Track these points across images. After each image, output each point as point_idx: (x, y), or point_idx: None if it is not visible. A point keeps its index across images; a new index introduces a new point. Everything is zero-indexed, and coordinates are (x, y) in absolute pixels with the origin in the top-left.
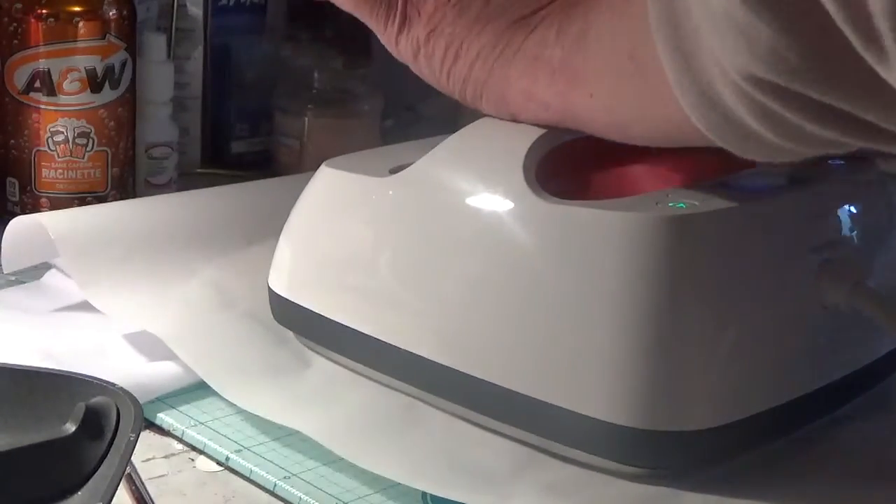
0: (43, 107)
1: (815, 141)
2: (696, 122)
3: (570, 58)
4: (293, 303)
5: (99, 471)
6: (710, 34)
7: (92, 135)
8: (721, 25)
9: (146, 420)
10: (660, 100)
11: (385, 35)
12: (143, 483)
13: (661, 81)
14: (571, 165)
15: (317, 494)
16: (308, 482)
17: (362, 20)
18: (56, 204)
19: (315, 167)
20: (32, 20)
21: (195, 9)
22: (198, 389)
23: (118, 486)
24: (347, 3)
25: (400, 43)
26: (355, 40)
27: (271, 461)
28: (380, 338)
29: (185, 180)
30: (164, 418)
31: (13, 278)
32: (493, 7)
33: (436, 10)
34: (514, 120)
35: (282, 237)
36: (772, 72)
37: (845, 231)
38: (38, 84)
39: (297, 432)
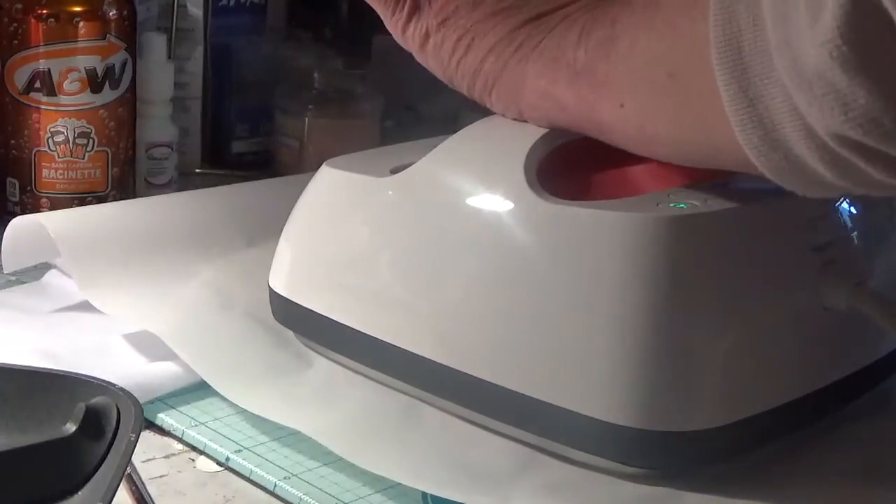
0: (43, 107)
1: (881, 186)
2: (753, 160)
3: (595, 63)
4: (293, 303)
5: (99, 471)
6: (796, 91)
7: (92, 135)
8: (813, 85)
9: (146, 420)
10: (701, 124)
11: (392, 21)
12: (143, 483)
13: (706, 108)
14: (572, 166)
15: (317, 494)
16: (308, 482)
17: (370, 4)
18: (56, 204)
19: (315, 167)
20: (32, 20)
21: (195, 9)
22: (198, 389)
23: (118, 486)
24: None
25: (407, 31)
26: (355, 40)
27: (271, 461)
28: (380, 338)
29: (185, 180)
30: (165, 418)
31: (13, 278)
32: (509, 2)
33: (448, 1)
34: (521, 118)
35: (282, 237)
36: (865, 135)
37: (846, 231)
38: (38, 84)
39: (297, 432)
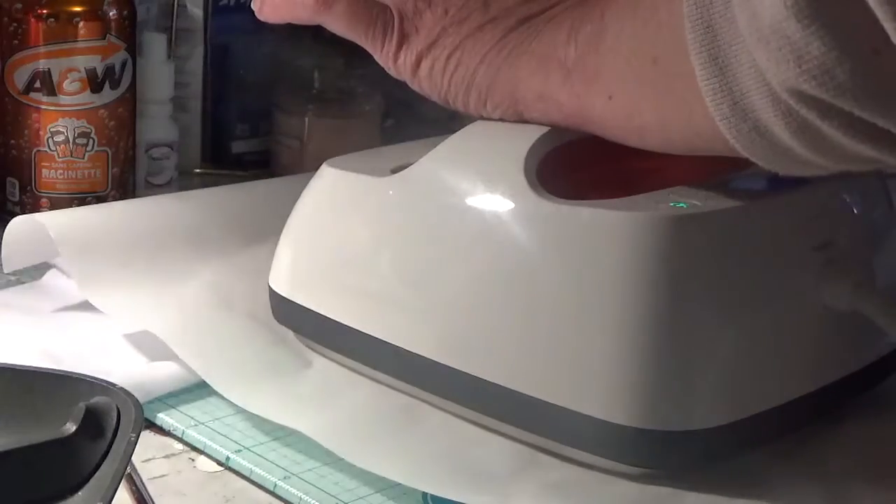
0: (43, 107)
1: (848, 157)
2: (724, 133)
3: (585, 58)
4: (293, 302)
5: (99, 471)
6: (756, 46)
7: (92, 135)
8: (770, 39)
9: (146, 420)
10: (684, 108)
11: (382, 55)
12: (143, 483)
13: (686, 90)
14: (572, 165)
15: (317, 494)
16: (308, 482)
17: (357, 42)
18: (56, 204)
19: (315, 167)
20: (32, 20)
21: (195, 9)
22: (198, 389)
23: (118, 486)
24: (340, 26)
25: (399, 60)
26: None
27: (271, 461)
28: (380, 337)
29: (185, 180)
30: (165, 418)
31: (13, 278)
32: (493, 13)
33: (435, 24)
34: (521, 120)
35: (282, 237)
36: (819, 87)
37: (845, 231)
38: (38, 84)
39: (297, 432)
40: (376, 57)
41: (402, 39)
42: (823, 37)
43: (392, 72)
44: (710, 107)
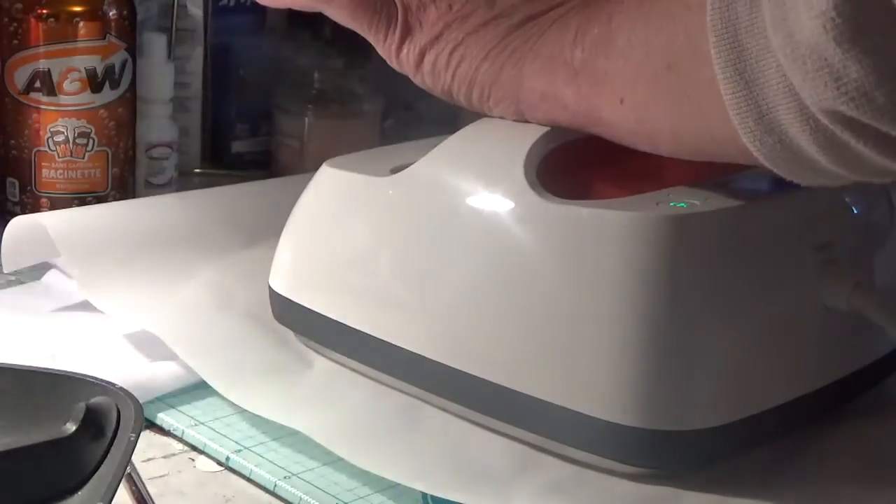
0: (43, 107)
1: (875, 170)
2: (747, 144)
3: (593, 60)
4: (294, 302)
5: (99, 471)
6: (790, 67)
7: (92, 135)
8: (807, 60)
9: (146, 420)
10: (700, 115)
11: (384, 47)
12: (143, 483)
13: (703, 97)
14: (572, 165)
15: (317, 494)
16: (308, 482)
17: (360, 32)
18: (56, 204)
19: (315, 167)
20: (32, 20)
21: (195, 9)
22: (198, 389)
23: (118, 486)
24: (343, 15)
25: (402, 53)
26: (355, 40)
27: (271, 461)
28: (380, 337)
29: (185, 180)
30: (165, 418)
31: (13, 278)
32: (498, 10)
33: (439, 19)
34: (523, 119)
35: (282, 237)
36: (857, 110)
37: (846, 231)
38: (38, 84)
39: (297, 432)
40: (378, 49)
41: (406, 33)
42: (862, 60)
43: (394, 65)
44: (734, 119)
